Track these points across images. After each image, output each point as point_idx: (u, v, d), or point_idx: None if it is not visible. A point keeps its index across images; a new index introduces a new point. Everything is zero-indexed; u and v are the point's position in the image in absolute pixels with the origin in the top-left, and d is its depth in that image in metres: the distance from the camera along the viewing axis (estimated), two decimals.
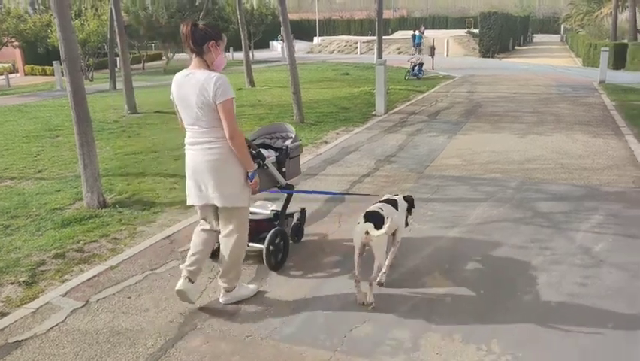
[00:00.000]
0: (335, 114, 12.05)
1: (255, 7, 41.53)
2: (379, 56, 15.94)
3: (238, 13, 18.23)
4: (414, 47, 37.38)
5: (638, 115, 10.98)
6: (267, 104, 14.57)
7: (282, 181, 4.32)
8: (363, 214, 3.72)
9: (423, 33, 50.90)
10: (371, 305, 3.63)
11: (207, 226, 3.79)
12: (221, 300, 3.78)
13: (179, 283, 3.64)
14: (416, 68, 20.06)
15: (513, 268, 4.26)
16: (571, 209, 5.63)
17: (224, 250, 3.69)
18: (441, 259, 4.46)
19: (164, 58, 35.60)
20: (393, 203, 4.05)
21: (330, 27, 71.69)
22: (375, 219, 3.63)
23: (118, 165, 8.08)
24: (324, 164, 7.77)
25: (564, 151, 8.20)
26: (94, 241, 5.08)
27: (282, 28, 11.01)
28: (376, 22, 15.93)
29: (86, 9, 27.06)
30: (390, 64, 27.87)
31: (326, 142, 9.37)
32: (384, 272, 3.96)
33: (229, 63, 29.26)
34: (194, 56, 3.45)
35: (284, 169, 4.32)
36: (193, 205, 3.77)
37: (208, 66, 3.45)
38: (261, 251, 4.23)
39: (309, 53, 47.01)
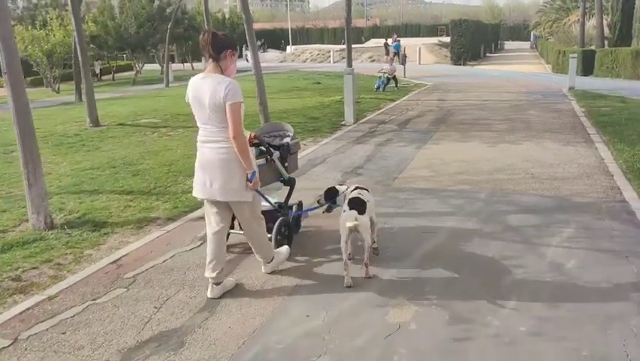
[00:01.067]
0: (304, 124, 11.77)
1: (227, 16, 41.18)
2: (349, 64, 15.70)
3: (206, 22, 17.87)
4: (387, 55, 37.58)
5: (607, 121, 10.93)
6: None
7: (286, 175, 4.78)
8: (346, 202, 4.20)
9: (397, 42, 51.44)
10: (370, 277, 4.14)
11: (217, 228, 4.00)
12: (264, 270, 4.31)
13: (209, 292, 3.99)
14: (382, 80, 18.78)
15: (480, 292, 4.01)
16: (541, 222, 5.43)
17: (249, 237, 4.17)
18: (405, 284, 4.19)
19: (136, 68, 35.02)
20: (367, 190, 4.53)
21: (304, 36, 71.61)
22: (359, 205, 4.11)
23: (72, 181, 7.67)
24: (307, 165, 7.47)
25: (535, 160, 8.05)
26: (34, 268, 4.69)
27: (247, 37, 10.62)
28: (345, 31, 15.69)
29: (51, 19, 26.39)
30: (362, 72, 27.94)
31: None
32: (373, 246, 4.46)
33: (187, 74, 28.77)
34: (210, 61, 3.75)
35: (286, 164, 4.75)
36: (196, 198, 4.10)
37: (222, 71, 3.75)
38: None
39: (282, 62, 46.81)
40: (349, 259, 4.19)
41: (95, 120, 12.63)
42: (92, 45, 32.18)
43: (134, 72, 39.01)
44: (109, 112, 15.64)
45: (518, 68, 30.84)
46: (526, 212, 5.75)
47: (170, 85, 27.02)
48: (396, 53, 33.93)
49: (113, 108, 16.62)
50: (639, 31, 25.52)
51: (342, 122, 11.97)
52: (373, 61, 42.22)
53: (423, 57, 38.40)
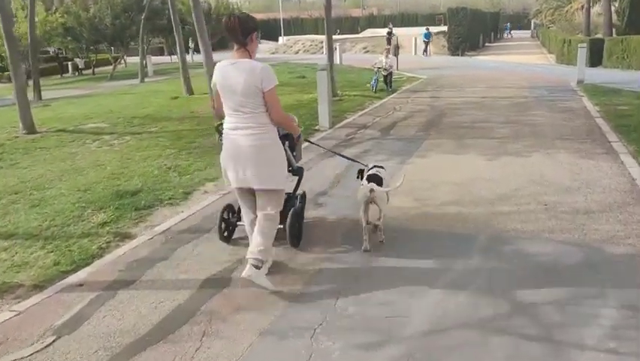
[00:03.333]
0: None
1: (213, 6, 39.13)
2: (329, 58, 13.94)
3: (172, 12, 16.03)
4: (388, 45, 35.28)
5: (629, 125, 9.16)
6: (200, 116, 12.48)
7: (295, 164, 4.57)
8: (365, 177, 4.64)
9: (391, 31, 49.43)
10: (382, 241, 4.59)
11: (252, 216, 4.02)
12: (244, 274, 3.79)
13: (247, 270, 3.77)
14: (377, 76, 15.39)
15: None
16: (565, 296, 3.68)
17: (261, 229, 3.87)
18: None
19: (122, 62, 33.04)
20: (383, 168, 4.91)
21: (298, 26, 69.61)
22: (377, 179, 4.54)
23: None
24: None
25: (546, 181, 6.29)
26: None
27: (195, 26, 8.84)
28: (325, 21, 13.91)
29: (16, 9, 24.46)
30: (354, 65, 26.11)
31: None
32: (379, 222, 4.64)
33: (172, 67, 27.03)
34: (237, 46, 3.66)
35: (294, 153, 4.56)
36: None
37: (250, 55, 3.68)
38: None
39: (273, 53, 44.92)
40: (367, 224, 4.54)
41: (29, 126, 10.85)
42: (68, 37, 30.51)
43: (121, 65, 37.27)
44: (58, 114, 13.90)
45: (519, 59, 29.00)
46: (540, 275, 4.00)
47: (146, 80, 25.22)
48: (427, 43, 33.05)
49: (66, 109, 14.86)
50: None
51: (317, 127, 10.19)
52: (367, 52, 40.36)
53: (419, 47, 36.50)
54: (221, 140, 4.30)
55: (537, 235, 4.73)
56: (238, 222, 4.77)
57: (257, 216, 3.94)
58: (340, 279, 4.04)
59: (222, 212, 4.75)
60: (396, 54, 22.09)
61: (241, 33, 3.63)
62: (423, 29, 45.44)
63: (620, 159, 7.12)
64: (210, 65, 9.07)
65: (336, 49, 35.07)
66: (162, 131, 10.82)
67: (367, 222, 4.54)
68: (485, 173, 6.71)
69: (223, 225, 4.75)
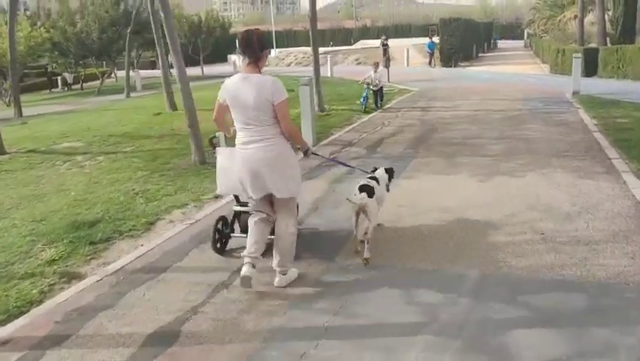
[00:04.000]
0: None
1: (203, 19, 38.80)
2: (316, 72, 13.44)
3: (152, 24, 15.53)
4: (384, 56, 34.77)
5: (630, 140, 8.64)
6: (180, 133, 11.90)
7: None
8: (357, 187, 4.55)
9: (386, 42, 49.13)
10: (366, 261, 4.43)
11: (263, 215, 4.12)
12: (276, 284, 4.07)
13: (244, 270, 3.94)
14: (367, 93, 13.82)
15: None
16: (568, 353, 3.12)
17: (282, 236, 4.07)
18: None
19: (112, 76, 32.41)
20: (376, 179, 4.87)
21: (291, 38, 69.30)
22: (368, 190, 4.52)
23: None
24: (189, 244, 5.16)
25: (543, 205, 5.75)
26: None
27: (168, 41, 8.31)
28: (310, 33, 13.40)
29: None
30: (345, 77, 25.64)
31: (217, 196, 6.78)
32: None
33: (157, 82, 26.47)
34: (248, 61, 3.80)
35: None
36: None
37: (259, 70, 3.83)
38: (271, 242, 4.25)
39: (265, 66, 44.47)
40: (360, 240, 4.61)
41: None
42: (55, 52, 30.04)
43: (107, 80, 36.76)
44: (34, 132, 13.36)
45: (513, 69, 28.61)
46: (538, 326, 3.44)
47: (133, 95, 24.71)
48: (432, 54, 32.50)
49: (43, 127, 14.31)
50: None
51: (299, 146, 9.62)
52: (359, 63, 39.97)
53: (412, 58, 36.17)
54: (214, 154, 4.64)
55: (534, 273, 4.18)
56: (232, 234, 4.88)
57: (265, 217, 4.13)
58: (304, 335, 3.48)
59: (216, 224, 4.79)
60: (387, 66, 21.67)
61: (258, 48, 3.79)
62: (415, 40, 45.28)
63: (622, 179, 6.59)
64: (184, 82, 8.51)
65: (327, 61, 34.93)
66: (138, 150, 10.27)
67: (355, 237, 4.67)
68: (477, 197, 6.17)
69: (217, 236, 4.79)
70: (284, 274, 4.09)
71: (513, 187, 6.45)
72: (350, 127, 11.53)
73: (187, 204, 6.51)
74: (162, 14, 8.26)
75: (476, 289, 3.99)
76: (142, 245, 5.29)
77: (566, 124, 10.51)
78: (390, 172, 5.28)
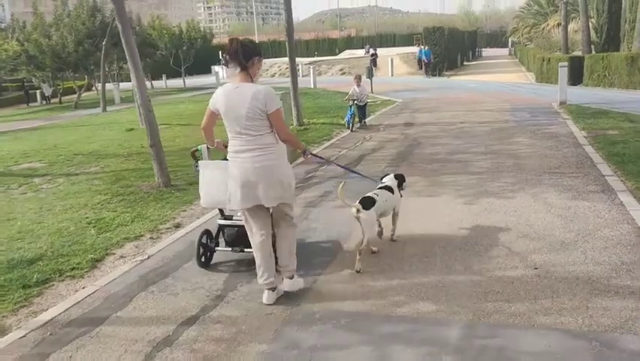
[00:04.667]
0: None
1: (184, 30, 38.18)
2: (293, 85, 12.87)
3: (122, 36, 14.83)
4: (374, 66, 34.63)
5: (623, 154, 8.14)
6: (147, 152, 11.26)
7: None
8: (359, 200, 4.62)
9: (369, 52, 48.86)
10: (359, 271, 4.45)
11: (260, 237, 4.01)
12: (286, 289, 4.07)
13: (266, 298, 3.99)
14: (353, 110, 12.44)
15: None
16: None
17: (283, 243, 4.08)
18: None
19: (93, 89, 31.53)
20: (389, 188, 5.00)
21: (276, 49, 68.99)
22: (366, 202, 4.59)
23: None
24: (136, 287, 4.52)
25: (535, 232, 5.19)
26: None
27: (125, 53, 7.70)
28: (287, 44, 12.84)
29: None
30: (328, 87, 25.12)
31: (177, 226, 6.15)
32: (393, 231, 5.12)
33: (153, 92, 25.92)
34: (239, 70, 3.75)
35: None
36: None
37: (251, 79, 3.78)
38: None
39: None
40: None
41: None
42: (31, 65, 29.24)
43: (90, 92, 35.94)
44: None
45: (499, 78, 28.29)
46: None
47: (111, 109, 23.97)
48: (428, 63, 31.73)
49: (8, 146, 13.57)
50: (629, 33, 22.99)
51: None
52: (344, 74, 39.57)
53: (396, 68, 35.81)
54: (196, 167, 4.64)
55: (528, 321, 3.60)
56: (216, 248, 4.84)
57: (265, 237, 4.01)
58: None
59: (200, 237, 4.75)
60: (370, 76, 21.18)
61: (243, 56, 3.72)
62: (400, 49, 44.94)
63: (618, 199, 6.06)
64: (144, 97, 7.88)
65: (310, 72, 34.45)
66: (102, 171, 9.61)
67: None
68: (463, 222, 5.59)
69: (201, 250, 4.74)
70: (291, 278, 4.08)
71: (501, 211, 5.88)
72: (329, 142, 10.96)
73: (142, 236, 5.87)
74: (119, 26, 7.62)
75: (460, 346, 3.38)
76: (84, 287, 4.64)
77: (555, 137, 10.01)
78: (400, 178, 5.27)
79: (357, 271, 4.44)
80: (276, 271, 4.10)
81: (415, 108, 15.90)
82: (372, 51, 38.78)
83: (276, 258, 4.13)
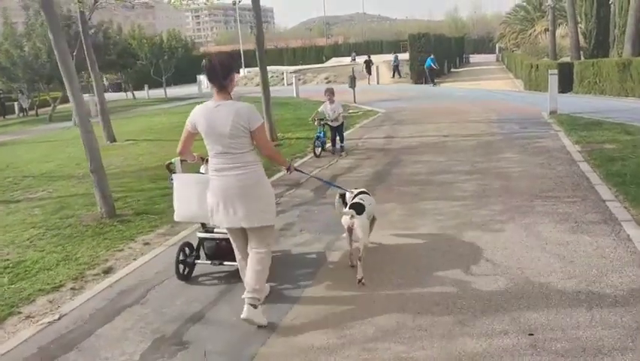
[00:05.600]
0: (171, 197, 7.87)
1: (165, 39, 37.22)
2: (265, 97, 11.98)
3: (84, 45, 13.93)
4: (369, 74, 33.91)
5: (624, 173, 7.29)
6: (108, 172, 10.30)
7: None
8: (348, 205, 4.65)
9: (354, 60, 48.10)
10: (361, 280, 4.35)
11: (244, 253, 4.00)
12: (243, 316, 3.75)
13: (244, 313, 3.75)
14: (321, 132, 10.45)
15: None
16: None
17: (255, 266, 3.85)
18: None
19: (72, 102, 30.39)
20: (365, 193, 5.00)
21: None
22: (358, 208, 4.56)
23: None
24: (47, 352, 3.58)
25: (529, 279, 4.31)
26: None
27: (60, 69, 6.77)
28: (256, 53, 11.93)
29: None
30: (312, 96, 24.19)
31: (107, 271, 5.20)
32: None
33: (124, 104, 25.07)
34: (217, 90, 3.69)
35: None
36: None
37: (230, 95, 3.72)
38: (235, 269, 4.32)
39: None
40: (352, 254, 4.72)
41: None
42: (3, 78, 28.19)
43: (66, 104, 34.71)
44: None
45: (486, 85, 27.60)
46: None
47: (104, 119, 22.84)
48: (432, 70, 30.14)
49: None
50: (619, 39, 22.34)
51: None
52: (329, 82, 38.73)
53: (382, 76, 35.07)
54: (171, 180, 4.56)
55: None
56: (196, 261, 4.77)
57: (245, 254, 3.97)
58: None
59: (180, 251, 4.71)
60: (352, 86, 20.35)
61: (222, 76, 3.66)
62: (386, 56, 44.18)
63: (624, 232, 5.19)
64: (83, 116, 6.96)
65: (300, 79, 33.63)
66: (48, 197, 8.67)
67: (350, 252, 4.75)
68: (443, 264, 4.71)
69: (181, 266, 4.69)
70: (255, 307, 3.79)
71: (488, 249, 4.99)
72: (301, 161, 10.04)
73: (62, 286, 4.92)
74: (51, 35, 6.68)
75: None
76: None
77: (546, 152, 9.17)
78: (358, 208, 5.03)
79: (360, 280, 4.35)
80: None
81: (398, 120, 15.05)
82: (365, 58, 37.80)
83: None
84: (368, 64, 35.71)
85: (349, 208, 4.55)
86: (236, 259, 4.13)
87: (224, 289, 4.58)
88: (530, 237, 5.25)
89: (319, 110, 10.49)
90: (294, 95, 25.89)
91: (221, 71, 3.65)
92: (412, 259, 4.88)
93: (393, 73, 36.07)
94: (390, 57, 38.51)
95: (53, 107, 28.14)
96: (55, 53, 6.72)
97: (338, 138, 10.50)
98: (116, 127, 18.54)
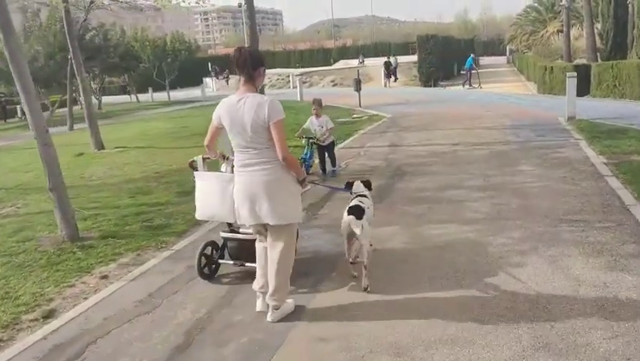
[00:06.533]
0: (146, 215, 7.03)
1: (168, 42, 36.53)
2: None
3: (70, 48, 13.15)
4: (388, 78, 31.51)
5: None
6: (87, 184, 9.53)
7: None
8: (347, 209, 4.34)
9: (362, 62, 47.18)
10: (366, 289, 4.19)
11: (265, 243, 3.88)
12: (269, 319, 3.81)
13: (258, 305, 3.93)
14: (309, 150, 8.86)
15: None
16: None
17: (276, 267, 3.77)
18: None
19: (26, 110, 29.60)
20: (364, 196, 4.69)
21: (270, 60, 67.54)
22: (357, 211, 4.28)
23: None
24: None
25: (565, 336, 3.38)
26: None
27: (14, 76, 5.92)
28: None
29: None
30: (307, 99, 23.26)
31: (47, 316, 4.33)
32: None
33: (127, 108, 24.56)
34: (244, 81, 3.62)
35: None
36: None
37: (256, 89, 3.65)
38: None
39: (238, 89, 42.15)
40: (351, 262, 4.53)
41: None
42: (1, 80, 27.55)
43: (77, 106, 34.13)
44: None
45: (497, 89, 26.56)
46: None
47: (79, 127, 22.17)
48: (471, 70, 28.42)
49: None
50: (638, 40, 21.25)
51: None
52: (335, 85, 37.94)
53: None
54: (193, 177, 4.50)
55: None
56: (219, 261, 4.73)
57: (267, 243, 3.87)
58: None
59: (203, 248, 4.65)
60: (357, 89, 19.47)
61: (252, 66, 3.58)
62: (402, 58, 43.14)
63: None
64: (40, 128, 6.12)
65: (305, 82, 32.77)
66: (13, 214, 7.88)
67: (348, 260, 4.52)
68: (454, 313, 3.79)
69: (204, 262, 4.65)
70: (277, 309, 3.83)
71: (509, 291, 4.09)
72: None
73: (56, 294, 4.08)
74: (1, 35, 5.83)
75: None
76: None
77: (567, 164, 8.23)
78: (368, 184, 4.97)
79: (365, 289, 4.19)
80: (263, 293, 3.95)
81: (404, 126, 14.12)
82: (388, 59, 34.98)
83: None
84: (388, 66, 33.29)
85: (348, 212, 4.28)
86: (257, 250, 4.00)
87: (181, 343, 3.70)
88: (558, 274, 4.34)
89: (305, 126, 8.87)
90: (298, 98, 25.02)
91: (251, 62, 3.57)
92: (410, 304, 3.97)
93: (389, 76, 33.34)
94: (401, 60, 37.21)
95: (51, 112, 27.45)
96: (6, 53, 5.88)
97: (329, 159, 8.75)
98: (110, 132, 17.86)
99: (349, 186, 4.91)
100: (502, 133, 11.74)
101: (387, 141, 11.69)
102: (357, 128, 14.18)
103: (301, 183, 3.83)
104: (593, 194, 6.54)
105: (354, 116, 17.05)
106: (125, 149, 13.42)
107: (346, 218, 4.25)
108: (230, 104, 3.61)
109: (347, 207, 4.39)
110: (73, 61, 12.75)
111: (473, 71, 28.28)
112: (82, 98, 31.52)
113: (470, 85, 28.16)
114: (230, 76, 42.25)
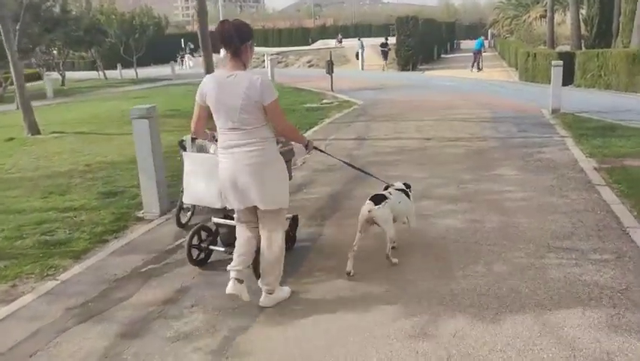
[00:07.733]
0: (49, 225, 5.77)
1: (136, 16, 34.62)
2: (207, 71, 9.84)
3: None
4: (385, 60, 29.56)
5: None
6: (8, 178, 8.23)
7: None
8: (369, 198, 4.17)
9: (340, 42, 45.74)
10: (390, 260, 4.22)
11: (250, 234, 3.72)
12: (261, 303, 3.70)
13: (229, 287, 3.64)
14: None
15: None
16: None
17: (267, 252, 3.65)
18: None
19: (3, 83, 27.71)
20: (404, 192, 4.53)
21: None
22: (378, 199, 4.14)
23: None
24: None
25: None
26: None
27: None
28: (198, 32, 9.77)
29: None
30: (288, 82, 21.97)
31: None
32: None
33: (93, 84, 23.06)
34: (230, 57, 3.35)
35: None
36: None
37: (244, 66, 3.38)
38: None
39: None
40: (353, 250, 4.16)
41: None
42: None
43: (37, 82, 32.30)
44: None
45: (478, 75, 25.50)
46: None
47: (35, 104, 20.54)
48: (479, 52, 27.15)
49: None
50: (625, 27, 20.30)
51: (141, 214, 6.03)
52: (312, 66, 36.59)
53: (368, 60, 32.90)
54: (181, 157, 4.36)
55: None
56: (211, 247, 4.46)
57: (253, 226, 3.69)
58: None
59: (193, 234, 4.38)
60: (330, 72, 18.24)
61: (239, 39, 3.31)
62: (373, 40, 41.65)
63: None
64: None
65: (280, 62, 31.32)
66: None
67: (352, 251, 4.16)
68: None
69: (195, 251, 4.40)
70: (270, 293, 3.70)
71: None
72: None
73: None
74: None
75: None
76: None
77: (553, 168, 7.17)
78: (408, 187, 4.70)
79: (391, 260, 4.21)
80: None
81: (375, 115, 12.95)
82: (386, 39, 32.97)
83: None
84: (384, 48, 31.41)
85: (369, 200, 4.14)
86: (239, 237, 3.74)
87: None
88: (547, 338, 3.25)
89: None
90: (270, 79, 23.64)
91: (237, 35, 3.28)
92: None
93: (386, 59, 31.64)
94: (380, 41, 35.60)
95: (4, 88, 25.68)
96: None
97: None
98: (57, 113, 16.43)
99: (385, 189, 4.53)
100: (480, 126, 10.65)
101: (354, 133, 10.50)
102: (324, 116, 12.98)
103: (306, 147, 3.80)
104: (585, 210, 5.48)
105: (324, 101, 15.85)
106: (63, 134, 12.04)
107: (366, 205, 4.12)
108: (218, 80, 3.35)
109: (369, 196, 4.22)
110: (2, 31, 11.26)
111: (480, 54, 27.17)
112: (45, 73, 29.88)
113: (479, 68, 27.04)
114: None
